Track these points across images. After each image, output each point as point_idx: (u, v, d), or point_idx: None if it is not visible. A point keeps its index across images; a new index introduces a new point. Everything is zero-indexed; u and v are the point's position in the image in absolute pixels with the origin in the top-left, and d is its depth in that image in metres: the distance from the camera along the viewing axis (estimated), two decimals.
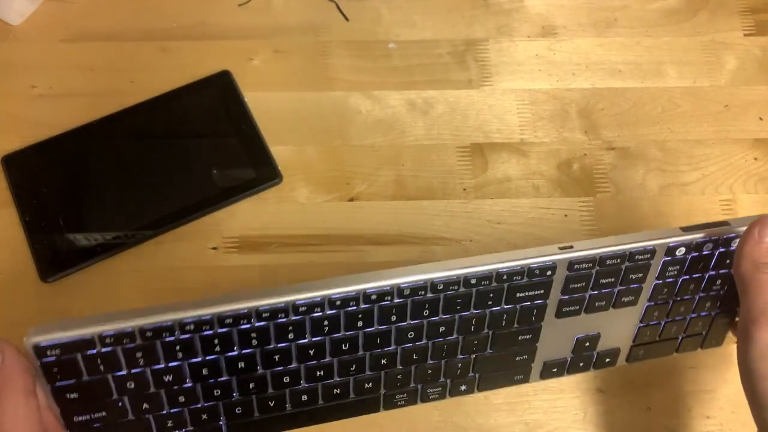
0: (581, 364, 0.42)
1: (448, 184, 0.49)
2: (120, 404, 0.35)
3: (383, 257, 0.47)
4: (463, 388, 0.41)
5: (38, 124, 0.49)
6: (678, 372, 0.45)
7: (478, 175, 0.50)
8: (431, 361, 0.39)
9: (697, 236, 0.38)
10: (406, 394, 0.40)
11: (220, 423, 0.37)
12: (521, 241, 0.48)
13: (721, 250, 0.39)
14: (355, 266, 0.47)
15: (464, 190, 0.49)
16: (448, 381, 0.40)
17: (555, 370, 0.42)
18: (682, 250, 0.38)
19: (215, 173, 0.48)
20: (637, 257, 0.38)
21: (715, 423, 0.44)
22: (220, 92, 0.50)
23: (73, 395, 0.34)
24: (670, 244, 0.38)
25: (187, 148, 0.49)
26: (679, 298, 0.41)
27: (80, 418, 0.35)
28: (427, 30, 0.54)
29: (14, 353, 0.32)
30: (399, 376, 0.39)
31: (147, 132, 0.49)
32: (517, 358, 0.41)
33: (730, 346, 0.46)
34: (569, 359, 0.42)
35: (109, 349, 0.34)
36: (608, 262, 0.38)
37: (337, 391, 0.39)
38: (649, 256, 0.38)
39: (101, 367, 0.34)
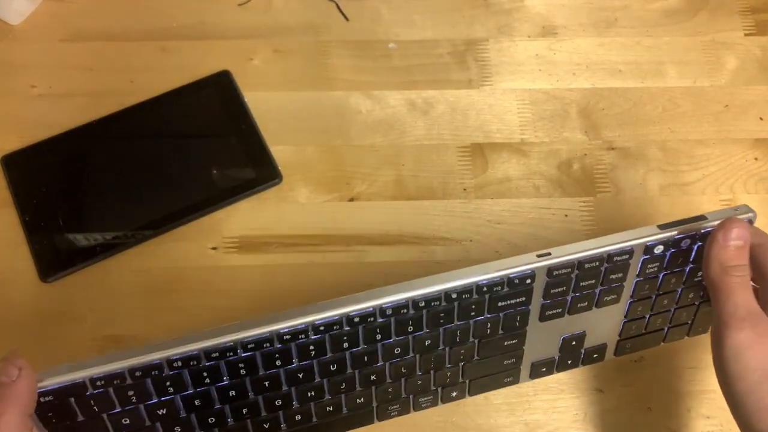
0: (569, 362, 0.42)
1: (448, 184, 0.49)
2: None
3: (383, 257, 0.47)
4: (454, 394, 0.41)
5: (38, 124, 0.49)
6: (678, 372, 0.45)
7: (478, 175, 0.50)
8: (420, 373, 0.39)
9: (674, 233, 0.38)
10: (398, 405, 0.40)
11: None
12: (521, 241, 0.48)
13: (700, 244, 0.39)
14: (355, 266, 0.47)
15: (464, 190, 0.49)
16: (439, 389, 0.41)
17: (544, 369, 0.42)
18: (660, 248, 0.38)
19: (215, 173, 0.48)
20: (615, 258, 0.38)
21: (715, 423, 0.44)
22: (220, 92, 0.50)
23: None
24: (648, 243, 0.38)
25: (187, 148, 0.49)
26: (662, 293, 0.40)
27: None
28: (427, 30, 0.54)
29: (30, 374, 0.32)
30: (390, 390, 0.39)
31: (147, 132, 0.49)
32: (505, 362, 0.41)
33: None
34: (557, 358, 0.42)
35: (100, 390, 0.34)
36: (587, 266, 0.37)
37: (329, 408, 0.39)
38: (627, 256, 0.38)
39: (95, 408, 0.34)
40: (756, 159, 0.51)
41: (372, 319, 0.36)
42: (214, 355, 0.35)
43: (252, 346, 0.35)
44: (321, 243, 0.47)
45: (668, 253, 0.39)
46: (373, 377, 0.38)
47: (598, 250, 0.37)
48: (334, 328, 0.36)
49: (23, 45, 0.52)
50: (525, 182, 0.50)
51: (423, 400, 0.41)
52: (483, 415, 0.44)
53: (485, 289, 0.37)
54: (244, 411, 0.37)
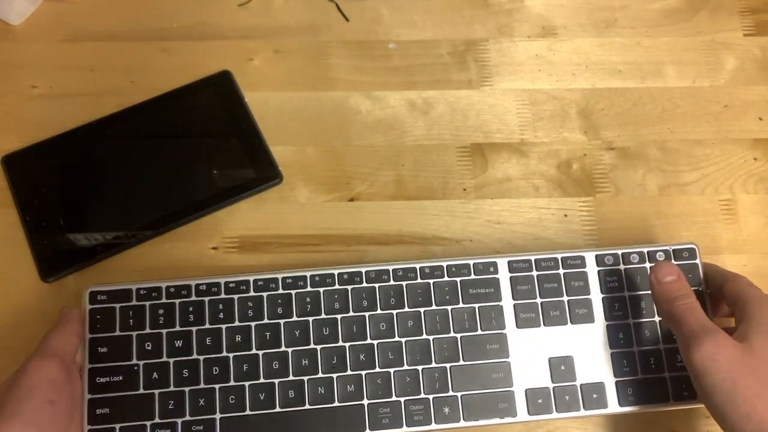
0: (567, 398, 0.41)
1: (448, 184, 0.49)
2: (136, 369, 0.40)
3: (383, 257, 0.47)
4: (446, 410, 0.41)
5: (38, 124, 0.49)
6: None
7: (478, 175, 0.50)
8: (408, 366, 0.41)
9: (622, 249, 0.44)
10: (389, 410, 0.40)
11: (215, 417, 0.40)
12: (521, 241, 0.48)
13: (651, 264, 0.43)
14: None
15: (464, 190, 0.49)
16: (431, 399, 0.41)
17: (540, 401, 0.41)
18: (610, 258, 0.43)
19: (215, 173, 0.48)
20: (569, 261, 0.43)
21: (715, 423, 0.44)
22: (220, 92, 0.50)
23: (103, 349, 0.40)
24: (597, 253, 0.44)
25: (187, 148, 0.49)
26: (638, 320, 0.42)
27: (101, 380, 0.40)
28: (427, 30, 0.54)
29: (80, 314, 0.41)
30: (379, 381, 0.41)
31: (147, 132, 0.49)
32: (493, 375, 0.41)
33: None
34: (552, 389, 0.41)
35: (140, 304, 0.41)
36: (543, 263, 0.43)
37: (321, 390, 0.40)
38: (579, 261, 0.43)
39: (131, 321, 0.41)
40: (755, 159, 0.51)
41: (358, 279, 0.42)
42: (231, 285, 0.42)
43: (261, 284, 0.42)
44: (321, 243, 0.47)
45: (623, 269, 0.43)
46: (362, 356, 0.41)
47: (552, 255, 0.43)
48: (327, 281, 0.42)
49: (24, 45, 0.52)
50: (525, 182, 0.50)
51: (415, 409, 0.40)
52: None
53: (453, 269, 0.42)
54: (244, 367, 0.41)
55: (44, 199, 0.47)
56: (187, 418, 0.40)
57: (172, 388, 0.40)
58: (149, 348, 0.40)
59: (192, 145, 0.49)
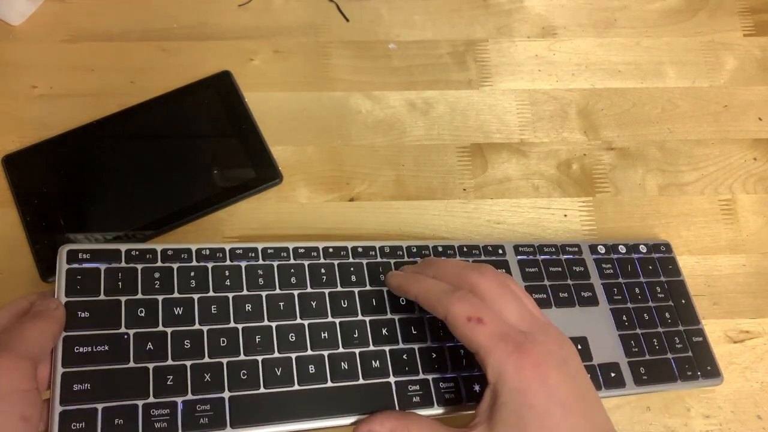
0: (588, 375, 0.41)
1: (448, 184, 0.49)
2: (125, 338, 0.34)
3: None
4: (476, 388, 0.37)
5: (38, 124, 0.49)
6: None
7: (478, 175, 0.50)
8: (432, 343, 0.38)
9: (611, 241, 0.46)
10: (418, 386, 0.37)
11: (223, 396, 0.34)
12: (521, 241, 0.48)
13: (636, 256, 0.46)
14: None
15: (464, 190, 0.49)
16: (459, 377, 0.38)
17: None
18: (602, 248, 0.46)
19: (216, 173, 0.48)
20: (567, 248, 0.45)
21: (715, 423, 0.44)
22: (220, 92, 0.50)
23: (85, 314, 0.34)
24: (590, 243, 0.46)
25: (187, 148, 0.49)
26: (635, 305, 0.45)
27: (81, 350, 0.33)
28: (427, 30, 0.54)
29: (63, 312, 0.33)
30: (405, 356, 0.37)
31: (147, 132, 0.49)
32: None
33: (729, 346, 0.46)
34: None
35: (131, 265, 0.35)
36: (545, 249, 0.45)
37: (344, 365, 0.36)
38: (576, 248, 0.45)
39: (119, 284, 0.35)
40: (755, 159, 0.51)
41: (372, 253, 0.40)
42: (239, 252, 0.38)
43: (271, 252, 0.39)
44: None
45: (615, 258, 0.46)
46: (384, 331, 0.38)
47: (552, 243, 0.45)
48: (341, 253, 0.40)
49: (24, 45, 0.52)
50: (524, 182, 0.50)
51: (444, 387, 0.37)
52: None
53: (465, 249, 0.43)
54: (256, 339, 0.36)
55: (44, 199, 0.47)
56: (190, 396, 0.33)
57: (170, 362, 0.34)
58: (142, 314, 0.34)
59: (192, 145, 0.49)
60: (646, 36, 0.55)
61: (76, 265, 0.34)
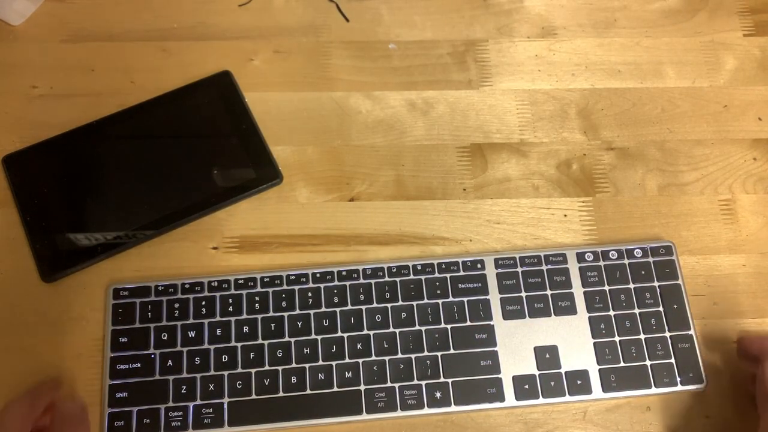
0: (552, 384, 0.43)
1: (448, 184, 0.49)
2: (152, 357, 0.43)
3: (383, 257, 0.47)
4: (438, 395, 0.43)
5: (39, 124, 0.49)
6: None
7: (478, 175, 0.50)
8: (401, 354, 0.44)
9: (601, 247, 0.47)
10: (384, 395, 0.43)
11: (223, 401, 0.43)
12: (520, 241, 0.48)
13: (629, 261, 0.46)
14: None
15: (464, 190, 0.49)
16: (423, 384, 0.43)
17: (527, 386, 0.43)
18: (590, 255, 0.46)
19: (216, 173, 0.48)
20: (551, 258, 0.46)
21: (715, 423, 0.44)
22: (220, 92, 0.50)
23: (124, 339, 0.44)
24: (578, 251, 0.46)
25: (187, 148, 0.49)
26: (618, 312, 0.45)
27: (122, 367, 0.43)
28: (427, 30, 0.54)
29: (88, 413, 0.41)
30: (375, 368, 0.43)
31: (147, 132, 0.49)
32: (482, 363, 0.44)
33: (730, 346, 0.46)
34: (538, 376, 0.43)
35: (158, 299, 0.44)
36: (527, 260, 0.46)
37: (321, 376, 0.43)
38: (561, 258, 0.46)
39: (149, 314, 0.44)
40: (755, 159, 0.51)
41: (355, 276, 0.45)
42: (240, 282, 0.45)
43: (267, 281, 0.45)
44: (321, 243, 0.47)
45: (603, 265, 0.46)
46: (359, 345, 0.44)
47: (535, 252, 0.46)
48: (327, 278, 0.45)
49: (24, 45, 0.52)
50: (524, 182, 0.50)
51: (408, 394, 0.43)
52: (482, 414, 0.44)
53: (444, 266, 0.46)
54: (251, 355, 0.44)
55: (44, 199, 0.47)
56: (198, 402, 0.42)
57: (185, 375, 0.43)
58: (165, 338, 0.44)
59: (192, 145, 0.49)
60: (646, 36, 0.55)
61: (119, 301, 0.44)
